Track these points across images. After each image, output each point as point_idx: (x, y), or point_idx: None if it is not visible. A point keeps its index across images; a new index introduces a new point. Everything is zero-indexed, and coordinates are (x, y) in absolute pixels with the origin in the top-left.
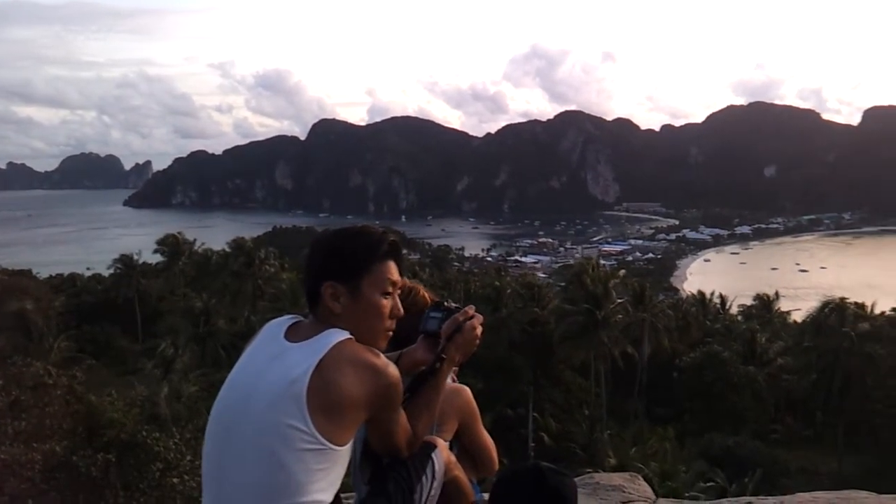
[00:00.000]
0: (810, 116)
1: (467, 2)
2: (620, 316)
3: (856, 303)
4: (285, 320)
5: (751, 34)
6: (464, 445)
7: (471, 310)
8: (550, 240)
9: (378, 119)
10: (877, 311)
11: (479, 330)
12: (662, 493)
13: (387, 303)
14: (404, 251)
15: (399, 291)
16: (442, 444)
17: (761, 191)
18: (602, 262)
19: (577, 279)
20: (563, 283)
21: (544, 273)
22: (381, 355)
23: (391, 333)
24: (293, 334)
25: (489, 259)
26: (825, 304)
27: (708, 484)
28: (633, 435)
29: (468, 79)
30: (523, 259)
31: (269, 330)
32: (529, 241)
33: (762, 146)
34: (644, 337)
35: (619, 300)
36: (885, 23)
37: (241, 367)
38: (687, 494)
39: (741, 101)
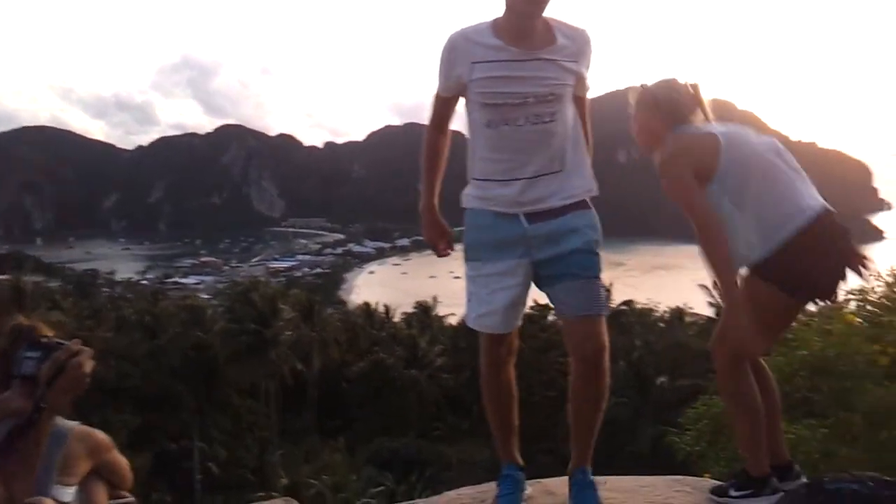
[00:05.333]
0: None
1: (102, 3)
2: (290, 332)
3: None
4: None
5: (403, 57)
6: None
7: (75, 345)
8: (214, 258)
9: (2, 129)
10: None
11: (87, 367)
12: None
13: None
14: (40, 278)
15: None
16: None
17: (415, 204)
18: (271, 279)
19: (244, 298)
20: (228, 304)
21: (208, 294)
22: None
23: None
24: None
25: (145, 282)
26: None
27: (378, 488)
28: (305, 451)
29: (110, 86)
30: (184, 280)
31: None
32: (191, 261)
33: (415, 163)
34: (313, 351)
35: (289, 317)
36: None
37: None
38: (359, 502)
39: (397, 121)
